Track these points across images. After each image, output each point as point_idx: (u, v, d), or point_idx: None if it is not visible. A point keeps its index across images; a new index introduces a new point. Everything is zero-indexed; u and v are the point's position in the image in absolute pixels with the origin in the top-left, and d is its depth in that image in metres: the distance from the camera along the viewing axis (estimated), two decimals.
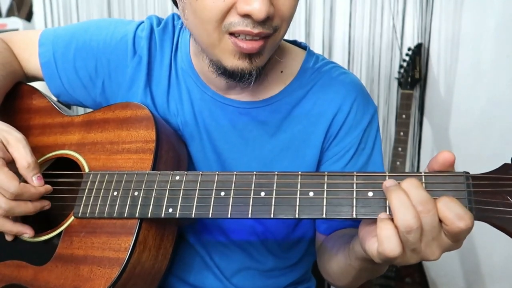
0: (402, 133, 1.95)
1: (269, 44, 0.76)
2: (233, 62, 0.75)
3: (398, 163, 1.92)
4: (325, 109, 0.89)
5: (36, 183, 0.79)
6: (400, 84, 2.05)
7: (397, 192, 0.58)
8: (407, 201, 0.57)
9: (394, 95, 2.13)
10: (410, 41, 2.06)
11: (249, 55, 0.75)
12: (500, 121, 1.76)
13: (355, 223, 0.89)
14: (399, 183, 0.60)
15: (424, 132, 2.10)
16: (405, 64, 2.00)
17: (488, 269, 1.89)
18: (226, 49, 0.75)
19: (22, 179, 0.79)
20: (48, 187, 0.81)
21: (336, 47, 2.15)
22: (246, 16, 0.69)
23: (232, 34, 0.72)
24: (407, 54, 2.01)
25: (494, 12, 1.78)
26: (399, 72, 2.05)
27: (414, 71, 1.98)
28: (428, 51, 2.04)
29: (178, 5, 0.81)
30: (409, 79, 1.98)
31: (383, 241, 0.57)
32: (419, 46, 2.00)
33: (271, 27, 0.73)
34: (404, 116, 1.96)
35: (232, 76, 0.78)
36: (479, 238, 1.90)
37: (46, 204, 0.82)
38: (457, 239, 0.58)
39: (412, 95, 1.99)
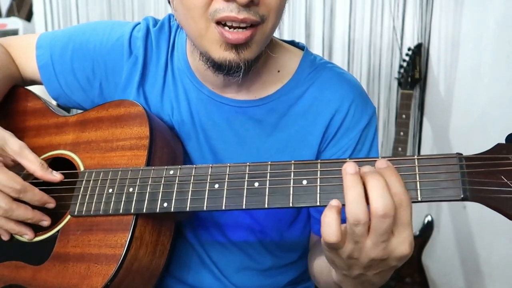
0: (402, 133, 1.95)
1: (258, 36, 0.76)
2: (220, 54, 0.75)
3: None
4: (323, 109, 0.89)
5: (58, 177, 0.83)
6: (400, 84, 2.05)
7: (352, 188, 0.57)
8: (361, 196, 0.56)
9: (394, 95, 2.13)
10: (410, 41, 2.06)
11: (235, 46, 0.74)
12: (500, 121, 1.76)
13: None
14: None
15: (424, 132, 2.10)
16: (405, 64, 2.01)
17: (488, 269, 1.88)
18: (213, 39, 0.75)
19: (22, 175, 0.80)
20: (53, 200, 0.83)
21: (336, 47, 2.16)
22: (230, 0, 0.70)
23: (219, 23, 0.73)
24: (407, 54, 2.01)
25: (494, 12, 1.78)
26: (399, 72, 2.05)
27: (414, 71, 1.98)
28: (428, 51, 2.04)
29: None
30: (409, 79, 1.98)
31: (324, 226, 0.57)
32: (419, 46, 2.00)
33: (257, 14, 0.72)
34: (404, 116, 1.96)
35: (220, 69, 0.78)
36: (479, 238, 1.90)
37: (45, 220, 0.83)
38: (398, 230, 0.57)
39: (412, 95, 1.99)
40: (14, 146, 0.82)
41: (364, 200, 0.56)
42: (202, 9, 0.72)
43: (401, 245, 0.57)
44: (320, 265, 0.86)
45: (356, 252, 0.59)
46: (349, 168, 0.58)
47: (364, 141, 0.90)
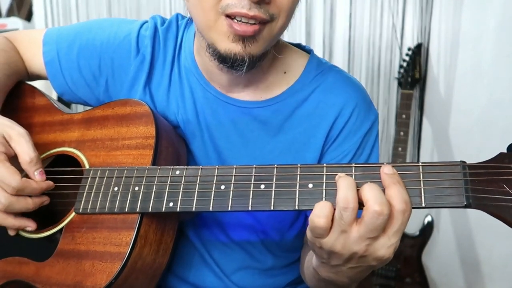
0: (402, 133, 1.95)
1: (265, 32, 0.76)
2: (227, 45, 0.76)
3: (398, 162, 1.92)
4: (327, 112, 0.89)
5: (38, 178, 0.80)
6: (400, 84, 2.05)
7: (345, 178, 0.61)
8: (353, 184, 0.60)
9: (394, 95, 2.13)
10: (410, 41, 2.06)
11: (243, 38, 0.75)
12: (500, 121, 1.77)
13: None
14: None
15: (424, 132, 2.10)
16: (405, 64, 2.01)
17: (488, 269, 1.89)
18: (220, 31, 0.75)
19: (24, 174, 0.79)
20: (50, 183, 0.82)
21: (336, 47, 2.16)
22: None
23: (228, 16, 0.73)
24: (407, 54, 2.01)
25: (494, 12, 1.79)
26: (399, 72, 2.05)
27: (414, 71, 1.98)
28: (428, 51, 2.04)
29: None
30: (409, 79, 1.98)
31: (315, 208, 0.61)
32: (419, 46, 2.01)
33: (267, 12, 0.73)
34: (404, 116, 1.96)
35: (225, 61, 0.78)
36: (479, 238, 1.90)
37: (45, 200, 0.82)
38: (388, 234, 0.60)
39: (412, 95, 1.99)
40: (12, 132, 0.80)
41: (356, 189, 0.60)
42: (214, 1, 0.73)
43: (387, 248, 0.61)
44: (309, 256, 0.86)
45: (339, 244, 0.61)
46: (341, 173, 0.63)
47: (365, 146, 0.91)
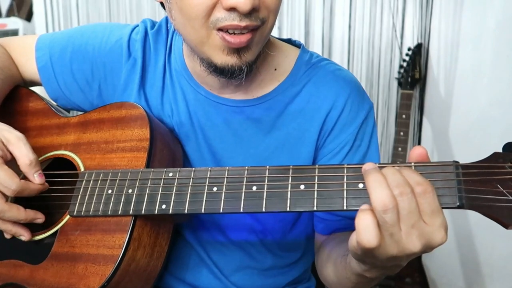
0: (402, 133, 1.95)
1: (257, 37, 0.76)
2: (223, 59, 0.76)
3: (398, 162, 1.92)
4: (319, 106, 0.89)
5: (38, 180, 0.80)
6: (400, 84, 2.05)
7: (373, 174, 0.57)
8: (383, 181, 0.56)
9: (394, 95, 2.13)
10: (410, 41, 2.06)
11: (237, 50, 0.75)
12: (500, 121, 1.75)
13: (352, 223, 0.89)
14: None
15: (424, 132, 2.10)
16: (405, 64, 2.01)
17: (488, 269, 1.88)
18: (214, 46, 0.75)
19: (21, 176, 0.80)
20: (46, 184, 0.82)
21: (335, 47, 2.16)
22: (232, 9, 0.70)
23: (220, 29, 0.73)
24: (407, 54, 2.01)
25: (494, 12, 1.78)
26: (399, 72, 2.05)
27: (414, 71, 1.98)
28: (428, 51, 2.04)
29: (165, 7, 0.82)
30: (409, 79, 1.98)
31: (361, 231, 0.55)
32: (419, 46, 2.00)
33: (258, 19, 0.73)
34: (404, 116, 1.96)
35: (223, 73, 0.78)
36: (479, 238, 1.90)
37: (40, 217, 0.83)
38: (429, 218, 0.56)
39: (412, 95, 1.99)
40: (10, 136, 0.81)
41: (387, 186, 0.55)
42: (203, 18, 0.72)
43: (438, 232, 0.56)
44: (337, 270, 0.81)
45: (392, 248, 0.57)
46: (367, 166, 0.59)
47: (363, 136, 0.90)
